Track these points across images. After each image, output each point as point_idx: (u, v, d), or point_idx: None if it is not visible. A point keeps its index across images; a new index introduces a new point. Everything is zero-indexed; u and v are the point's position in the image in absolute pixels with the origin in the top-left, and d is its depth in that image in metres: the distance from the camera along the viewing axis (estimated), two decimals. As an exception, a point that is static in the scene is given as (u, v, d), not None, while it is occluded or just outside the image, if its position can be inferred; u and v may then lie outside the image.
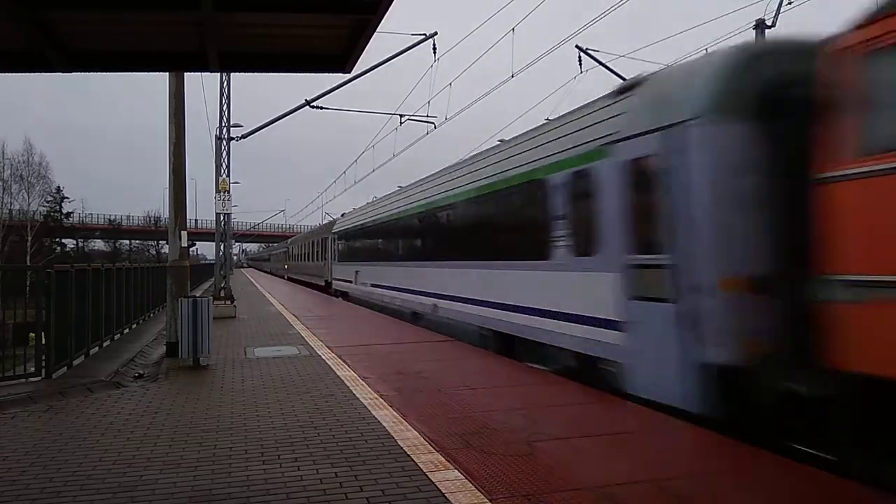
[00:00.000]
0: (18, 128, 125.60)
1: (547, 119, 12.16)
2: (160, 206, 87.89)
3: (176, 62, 5.93)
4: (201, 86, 27.82)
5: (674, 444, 5.67)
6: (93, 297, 11.00)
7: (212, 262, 36.92)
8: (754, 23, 14.81)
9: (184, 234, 11.23)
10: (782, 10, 14.35)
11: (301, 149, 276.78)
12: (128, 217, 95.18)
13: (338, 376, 8.88)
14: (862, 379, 4.55)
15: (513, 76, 18.34)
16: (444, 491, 4.52)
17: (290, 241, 64.60)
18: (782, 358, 5.73)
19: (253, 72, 5.53)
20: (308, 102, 19.96)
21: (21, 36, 4.39)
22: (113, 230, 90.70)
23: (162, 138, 11.34)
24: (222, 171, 19.78)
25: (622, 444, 5.62)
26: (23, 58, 4.86)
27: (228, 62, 5.24)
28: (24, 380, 8.56)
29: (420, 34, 18.08)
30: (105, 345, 11.97)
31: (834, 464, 4.93)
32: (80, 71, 5.19)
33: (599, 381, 7.92)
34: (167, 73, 11.15)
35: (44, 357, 8.81)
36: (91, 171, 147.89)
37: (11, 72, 5.36)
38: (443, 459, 5.20)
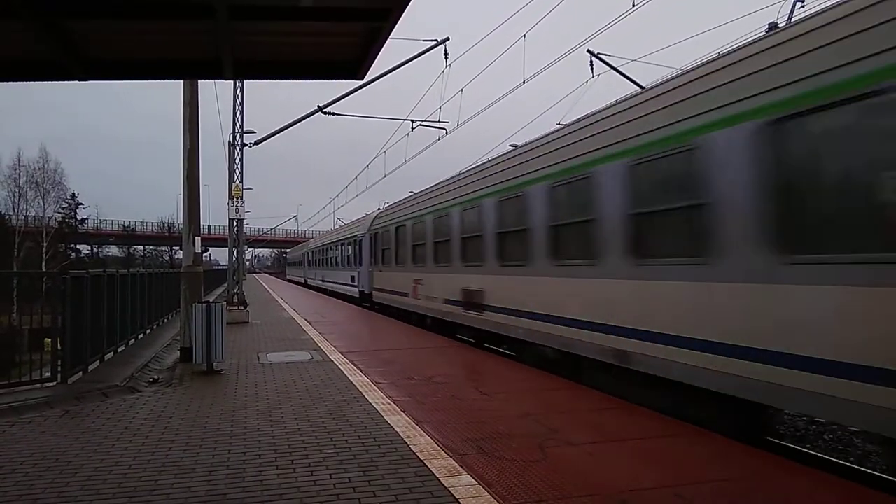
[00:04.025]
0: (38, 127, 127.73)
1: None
2: (174, 211, 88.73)
3: (190, 70, 5.98)
4: (215, 93, 28.10)
5: (691, 450, 5.63)
6: (108, 303, 11.08)
7: (224, 267, 37.02)
8: (766, 26, 14.72)
9: (197, 239, 11.31)
10: (795, 12, 14.25)
11: (313, 153, 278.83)
12: (142, 223, 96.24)
13: (350, 381, 8.90)
14: None
15: (524, 82, 18.35)
16: (457, 496, 4.52)
17: (309, 243, 56.13)
18: None
19: (266, 79, 5.57)
20: (320, 108, 20.05)
21: (40, 45, 4.45)
22: (127, 236, 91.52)
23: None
24: (235, 177, 19.91)
25: (637, 451, 5.58)
26: (41, 66, 4.92)
27: (242, 70, 5.27)
28: (39, 385, 8.65)
29: (432, 40, 18.16)
30: (120, 350, 12.06)
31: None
32: (97, 79, 5.25)
33: None
34: (181, 81, 11.25)
35: (59, 362, 8.89)
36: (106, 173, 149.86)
37: (30, 80, 5.42)
38: (456, 465, 5.19)
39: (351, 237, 27.93)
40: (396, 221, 19.32)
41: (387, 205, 24.86)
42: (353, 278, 27.09)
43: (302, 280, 54.08)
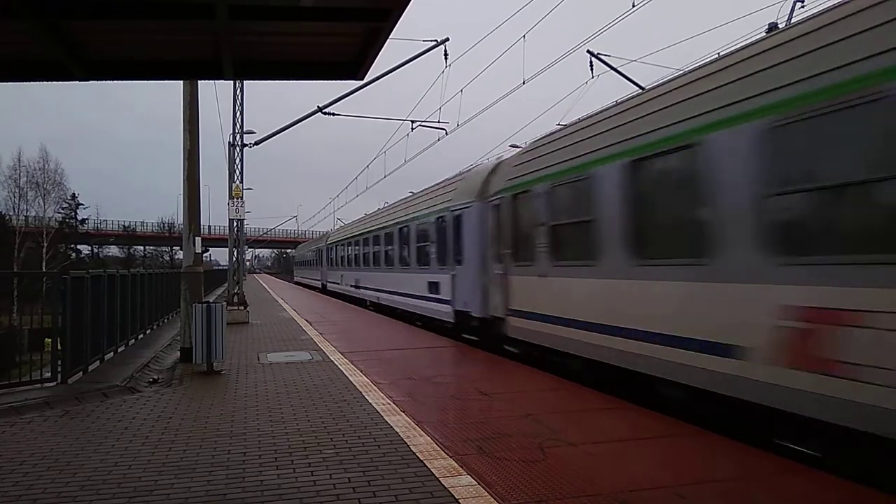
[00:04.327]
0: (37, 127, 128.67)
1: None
2: (174, 211, 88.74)
3: (191, 70, 5.98)
4: (215, 93, 28.11)
5: (691, 450, 5.63)
6: (108, 303, 11.09)
7: (224, 267, 36.84)
8: (767, 26, 14.73)
9: (198, 240, 11.31)
10: (795, 12, 14.25)
11: (313, 153, 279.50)
12: (142, 223, 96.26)
13: (350, 382, 8.90)
14: None
15: (524, 82, 18.34)
16: (457, 497, 4.52)
17: (331, 234, 41.50)
18: None
19: (266, 79, 5.57)
20: (320, 109, 20.06)
21: (40, 45, 4.45)
22: (127, 236, 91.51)
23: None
24: (235, 177, 19.92)
25: (637, 451, 5.58)
26: (42, 66, 4.92)
27: (242, 70, 5.27)
28: (40, 385, 8.65)
29: (432, 40, 18.17)
30: (120, 350, 12.06)
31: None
32: (97, 79, 5.25)
33: None
34: (181, 81, 11.24)
35: (59, 362, 8.89)
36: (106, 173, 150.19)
37: (30, 80, 5.42)
38: (455, 465, 5.19)
39: (433, 213, 16.06)
40: (655, 143, 7.26)
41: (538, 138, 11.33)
42: (434, 288, 15.70)
43: (319, 284, 42.28)
